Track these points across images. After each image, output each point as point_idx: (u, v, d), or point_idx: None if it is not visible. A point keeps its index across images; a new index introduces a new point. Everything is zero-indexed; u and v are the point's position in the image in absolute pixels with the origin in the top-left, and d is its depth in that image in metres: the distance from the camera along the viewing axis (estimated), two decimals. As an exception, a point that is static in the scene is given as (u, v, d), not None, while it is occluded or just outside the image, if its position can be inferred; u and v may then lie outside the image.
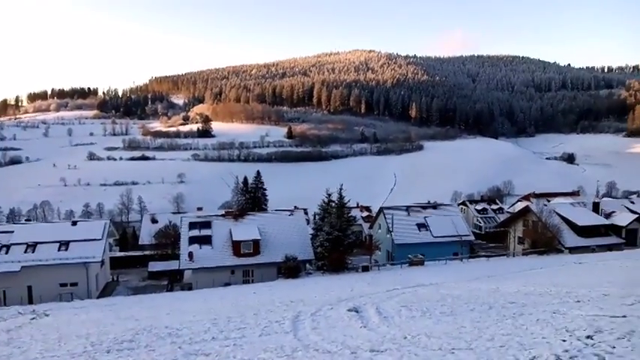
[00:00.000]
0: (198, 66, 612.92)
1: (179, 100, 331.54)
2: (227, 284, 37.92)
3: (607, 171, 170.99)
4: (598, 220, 46.22)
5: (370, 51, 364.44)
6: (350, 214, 44.18)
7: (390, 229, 47.26)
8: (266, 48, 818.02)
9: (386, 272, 38.22)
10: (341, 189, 42.01)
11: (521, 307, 13.47)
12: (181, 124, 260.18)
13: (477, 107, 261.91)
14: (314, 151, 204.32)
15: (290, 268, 38.09)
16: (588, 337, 8.12)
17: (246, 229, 41.03)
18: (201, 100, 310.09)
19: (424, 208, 52.63)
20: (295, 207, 58.06)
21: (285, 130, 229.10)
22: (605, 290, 15.50)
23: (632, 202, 54.28)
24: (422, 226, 48.39)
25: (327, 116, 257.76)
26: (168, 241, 52.59)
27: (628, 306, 11.80)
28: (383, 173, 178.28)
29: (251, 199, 66.93)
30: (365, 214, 74.58)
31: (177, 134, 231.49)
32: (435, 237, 47.03)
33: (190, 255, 38.54)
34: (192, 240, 40.31)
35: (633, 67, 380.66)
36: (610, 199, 73.43)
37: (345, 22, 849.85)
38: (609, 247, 42.79)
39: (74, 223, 44.30)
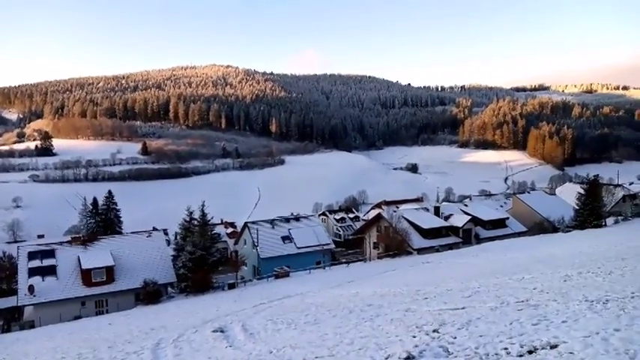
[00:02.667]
0: (35, 77, 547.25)
1: (12, 115, 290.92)
2: (77, 317, 34.10)
3: (445, 178, 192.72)
4: (439, 222, 51.41)
5: (228, 66, 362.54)
6: (214, 232, 43.18)
7: (256, 244, 47.18)
8: (115, 59, 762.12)
9: (252, 287, 37.92)
10: (203, 206, 40.82)
11: (378, 308, 14.37)
12: (15, 142, 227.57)
13: (331, 123, 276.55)
14: (173, 167, 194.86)
15: (149, 294, 35.69)
16: (435, 330, 8.96)
17: (98, 256, 37.49)
18: (39, 115, 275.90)
19: (288, 220, 53.71)
20: (154, 228, 54.75)
21: (139, 146, 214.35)
22: (449, 286, 17.32)
23: (466, 205, 61.92)
24: (286, 238, 49.27)
25: (186, 131, 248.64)
26: (2, 275, 46.03)
27: (466, 298, 13.34)
28: (247, 188, 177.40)
29: (102, 221, 61.37)
30: (230, 230, 73.36)
31: (11, 153, 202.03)
32: (299, 248, 48.23)
33: (31, 289, 33.95)
34: (33, 271, 35.61)
35: (461, 87, 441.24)
36: (448, 203, 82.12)
37: (200, 36, 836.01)
38: (450, 246, 47.68)
39: None
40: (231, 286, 38.89)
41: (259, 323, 15.84)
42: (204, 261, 38.08)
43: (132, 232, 46.64)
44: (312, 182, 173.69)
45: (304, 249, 48.24)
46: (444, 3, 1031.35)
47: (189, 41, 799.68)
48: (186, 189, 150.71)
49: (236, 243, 56.52)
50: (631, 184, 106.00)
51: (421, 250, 45.86)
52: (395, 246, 46.32)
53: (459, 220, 51.73)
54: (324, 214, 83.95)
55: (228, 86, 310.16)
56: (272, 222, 51.78)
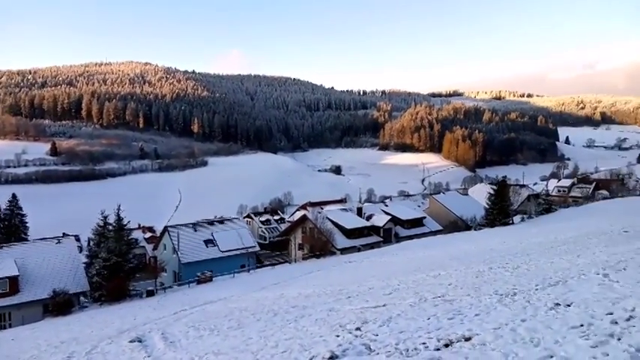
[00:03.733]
0: None
1: None
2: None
3: (367, 180, 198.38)
4: (361, 222, 52.77)
5: (146, 63, 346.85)
6: (131, 237, 40.97)
7: (176, 249, 45.48)
8: (20, 53, 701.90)
9: (173, 294, 36.54)
10: (119, 210, 38.63)
11: (302, 309, 14.40)
12: None
13: (256, 124, 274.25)
14: (86, 169, 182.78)
15: (59, 304, 33.12)
16: (357, 328, 9.12)
17: (-1, 265, 34.18)
18: None
19: (211, 223, 52.34)
20: (64, 234, 51.07)
21: (48, 146, 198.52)
22: (371, 284, 17.76)
23: (387, 206, 64.08)
24: (209, 242, 47.98)
25: (100, 131, 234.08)
26: None
27: (387, 295, 13.74)
28: (167, 190, 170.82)
29: (5, 228, 56.22)
30: (148, 234, 70.12)
31: None
32: (223, 251, 47.16)
33: None
34: None
35: (381, 91, 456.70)
36: (370, 204, 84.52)
37: (116, 32, 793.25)
38: (371, 246, 48.97)
39: None
40: (150, 294, 37.20)
41: (180, 331, 15.27)
42: (121, 268, 36.10)
43: (39, 239, 43.03)
44: (237, 184, 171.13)
45: (228, 252, 47.25)
46: (365, 14, 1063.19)
47: (104, 37, 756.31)
48: (100, 192, 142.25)
49: (155, 248, 54.13)
50: (535, 184, 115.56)
51: (344, 250, 46.73)
52: (319, 247, 46.81)
53: (380, 220, 53.36)
54: (248, 216, 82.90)
55: (147, 84, 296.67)
56: (194, 225, 50.22)
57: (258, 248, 52.23)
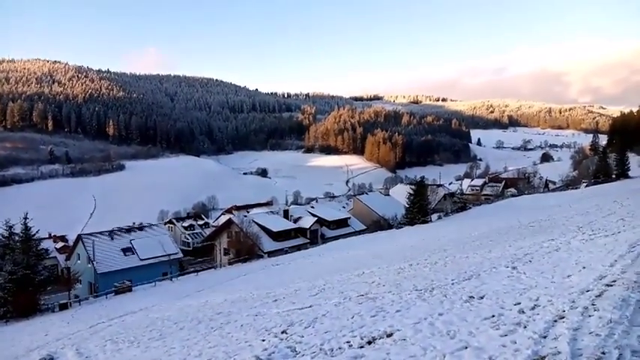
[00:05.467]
0: None
1: None
2: None
3: (293, 182, 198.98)
4: (288, 224, 52.94)
5: (55, 62, 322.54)
6: (40, 247, 37.90)
7: (92, 258, 42.83)
8: None
9: (89, 306, 34.31)
10: (26, 218, 35.58)
11: (228, 315, 14.13)
12: None
13: (177, 126, 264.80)
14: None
15: (-46, 326, 29.94)
16: (283, 332, 9.10)
17: None
18: None
19: (129, 230, 49.84)
20: (-41, 247, 46.04)
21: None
22: (297, 286, 17.83)
23: (313, 207, 64.71)
24: (128, 250, 45.68)
25: (4, 134, 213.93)
26: None
27: (313, 296, 13.87)
28: (80, 197, 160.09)
29: None
30: (60, 244, 65.26)
31: None
32: (143, 260, 45.12)
33: None
34: None
35: (305, 94, 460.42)
36: (297, 206, 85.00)
37: (19, 26, 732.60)
38: (298, 247, 49.32)
39: None
40: (64, 307, 34.66)
41: (97, 345, 14.37)
42: (29, 281, 33.29)
43: None
44: (157, 189, 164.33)
45: (149, 260, 45.23)
46: (286, 17, 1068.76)
47: (5, 31, 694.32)
48: (4, 200, 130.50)
49: (68, 258, 50.53)
50: (450, 184, 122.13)
51: (271, 253, 46.54)
52: (246, 250, 46.29)
53: (307, 222, 53.84)
54: (170, 222, 79.95)
55: (56, 84, 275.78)
56: (110, 233, 47.54)
57: (181, 255, 50.54)
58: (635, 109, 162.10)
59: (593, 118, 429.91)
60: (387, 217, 59.35)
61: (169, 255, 46.14)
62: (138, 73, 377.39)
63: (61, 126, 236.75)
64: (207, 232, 68.76)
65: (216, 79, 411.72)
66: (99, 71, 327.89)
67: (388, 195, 73.09)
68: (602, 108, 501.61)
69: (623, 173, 64.69)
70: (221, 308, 16.39)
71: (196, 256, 65.09)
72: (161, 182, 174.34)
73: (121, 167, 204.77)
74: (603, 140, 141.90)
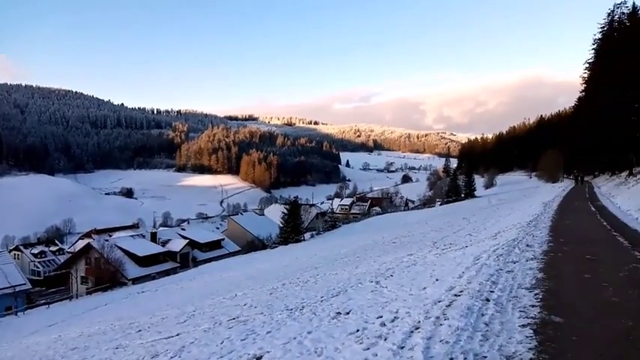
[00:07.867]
0: None
1: None
2: None
3: (162, 203, 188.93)
4: (156, 248, 49.99)
5: None
6: None
7: None
8: None
9: None
10: None
11: (84, 350, 12.79)
12: None
13: (28, 141, 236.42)
14: None
15: None
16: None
17: None
18: None
19: (-39, 261, 42.80)
20: None
21: None
22: (164, 314, 16.82)
23: (184, 229, 62.14)
24: (-41, 284, 39.15)
25: None
26: None
27: (181, 324, 13.19)
28: None
29: None
30: None
31: None
32: (-21, 294, 38.99)
33: None
34: None
35: (177, 111, 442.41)
36: (166, 228, 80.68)
37: None
38: (167, 272, 46.82)
39: None
40: None
41: None
42: None
43: None
44: (2, 211, 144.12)
45: (-13, 294, 39.24)
46: (155, 29, 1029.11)
47: None
48: None
49: None
50: (322, 203, 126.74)
51: (137, 280, 43.48)
52: (107, 278, 42.64)
53: (177, 245, 51.51)
54: (17, 248, 70.66)
55: None
56: (-63, 265, 40.41)
57: (29, 286, 44.59)
58: (479, 137, 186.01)
59: (446, 144, 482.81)
60: (262, 237, 59.34)
61: (14, 286, 40.51)
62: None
63: None
64: (62, 259, 62.01)
65: (76, 92, 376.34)
66: None
67: (263, 215, 73.33)
68: (453, 135, 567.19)
69: (470, 193, 72.92)
70: (76, 343, 14.77)
71: (49, 287, 58.54)
72: (6, 204, 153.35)
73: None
74: (454, 163, 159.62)
